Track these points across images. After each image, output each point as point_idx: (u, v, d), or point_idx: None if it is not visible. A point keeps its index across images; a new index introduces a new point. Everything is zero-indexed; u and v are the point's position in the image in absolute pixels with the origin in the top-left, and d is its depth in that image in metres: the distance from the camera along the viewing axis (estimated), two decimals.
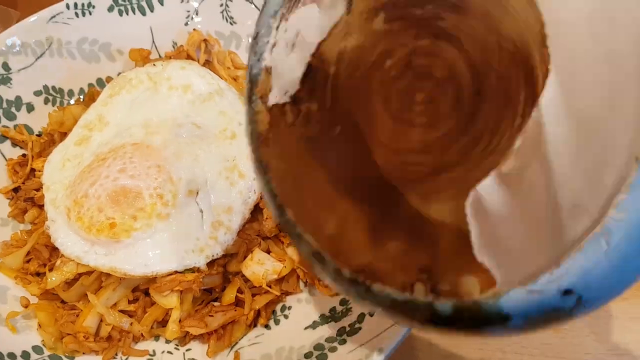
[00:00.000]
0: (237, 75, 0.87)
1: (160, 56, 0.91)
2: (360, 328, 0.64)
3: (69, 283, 0.68)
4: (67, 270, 0.67)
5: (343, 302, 0.69)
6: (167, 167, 0.70)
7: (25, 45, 0.85)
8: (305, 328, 0.69)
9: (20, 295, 0.71)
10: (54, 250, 0.71)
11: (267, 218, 0.72)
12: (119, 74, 0.87)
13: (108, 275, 0.67)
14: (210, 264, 0.69)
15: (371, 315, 0.64)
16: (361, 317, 0.65)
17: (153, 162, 0.70)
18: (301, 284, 0.74)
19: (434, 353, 0.72)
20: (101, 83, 0.90)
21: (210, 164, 0.72)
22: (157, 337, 0.70)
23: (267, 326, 0.71)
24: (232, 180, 0.72)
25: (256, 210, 0.73)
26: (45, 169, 0.74)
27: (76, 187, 0.69)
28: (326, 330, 0.67)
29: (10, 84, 0.84)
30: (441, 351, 0.72)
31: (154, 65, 0.79)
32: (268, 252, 0.73)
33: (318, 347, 0.64)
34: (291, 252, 0.73)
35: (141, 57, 0.87)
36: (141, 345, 0.69)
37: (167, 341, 0.70)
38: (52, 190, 0.72)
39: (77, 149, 0.75)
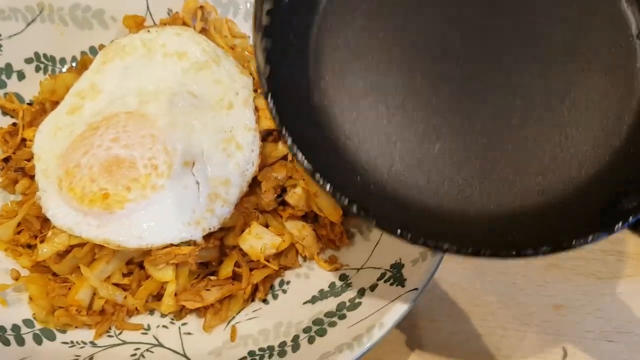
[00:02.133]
0: (234, 44, 0.84)
1: (155, 24, 0.88)
2: (360, 303, 0.62)
3: (61, 255, 0.66)
4: (58, 241, 0.65)
5: (343, 277, 0.68)
6: (161, 136, 0.67)
7: (15, 10, 0.82)
8: (304, 303, 0.67)
9: (10, 268, 0.69)
10: (45, 222, 0.69)
11: (265, 191, 0.70)
12: (112, 41, 0.84)
13: (101, 247, 0.65)
14: (207, 237, 0.67)
15: (372, 289, 0.63)
16: (361, 292, 0.64)
17: (147, 131, 0.67)
18: (300, 259, 0.73)
19: (436, 330, 0.71)
20: (94, 51, 0.87)
21: (207, 135, 0.69)
22: (152, 311, 0.69)
23: (265, 301, 0.70)
24: (229, 152, 0.69)
25: (254, 183, 0.71)
26: (36, 139, 0.72)
27: (68, 156, 0.66)
28: (325, 305, 0.65)
29: (1, 50, 0.81)
30: (443, 328, 0.71)
31: (148, 31, 0.76)
32: (266, 225, 0.71)
33: (317, 322, 0.63)
34: (290, 226, 0.72)
35: (135, 24, 0.84)
36: (135, 320, 0.68)
37: (163, 315, 0.68)
38: (43, 160, 0.69)
39: (69, 118, 0.72)
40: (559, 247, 0.42)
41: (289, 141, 0.44)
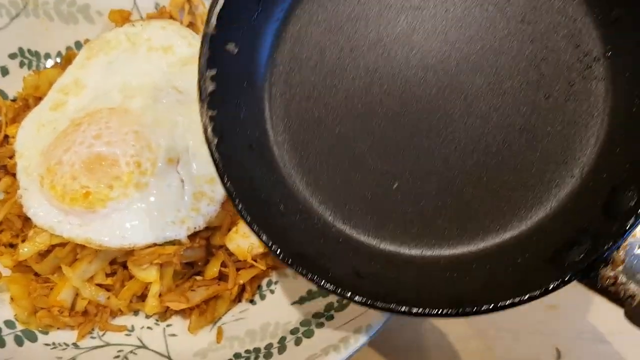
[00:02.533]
0: None
1: (142, 18, 0.86)
2: (347, 304, 0.61)
3: (43, 255, 0.65)
4: (39, 241, 0.63)
5: None
6: (145, 133, 0.66)
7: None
8: (292, 303, 0.66)
9: None
10: (27, 221, 0.67)
11: None
12: (98, 36, 0.82)
13: (83, 247, 0.63)
14: (193, 236, 0.66)
15: None
16: None
17: (130, 127, 0.65)
18: None
19: (428, 331, 0.69)
20: (79, 46, 0.85)
21: (192, 131, 0.68)
22: (136, 312, 0.67)
23: (252, 301, 0.68)
24: None
25: None
26: (18, 135, 0.70)
27: (50, 153, 0.65)
28: (313, 306, 0.64)
29: None
30: (435, 329, 0.70)
31: (134, 25, 0.75)
32: None
33: (305, 323, 0.62)
34: None
35: (121, 19, 0.82)
36: (119, 321, 0.66)
37: (147, 316, 0.67)
38: (25, 157, 0.68)
39: (52, 114, 0.71)
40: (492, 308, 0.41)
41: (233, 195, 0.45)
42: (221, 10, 0.44)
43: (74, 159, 0.63)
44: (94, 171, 0.62)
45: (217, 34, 0.44)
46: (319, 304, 0.64)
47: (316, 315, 0.62)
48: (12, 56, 0.82)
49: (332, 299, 0.63)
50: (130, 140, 0.64)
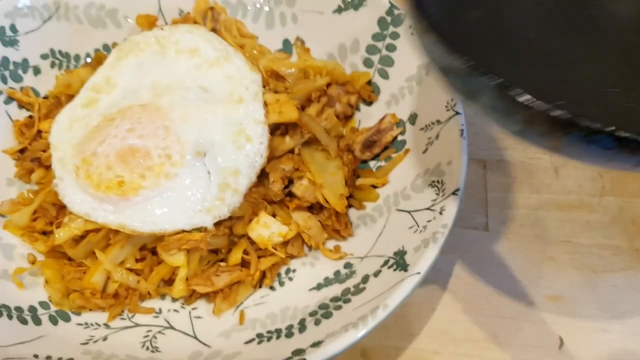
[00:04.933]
0: (243, 43, 0.87)
1: (166, 23, 0.91)
2: (364, 288, 0.65)
3: (77, 240, 0.69)
4: (74, 226, 0.67)
5: (347, 266, 0.71)
6: (175, 128, 0.70)
7: (33, 8, 0.85)
8: (310, 289, 0.70)
9: (27, 253, 0.72)
10: (61, 209, 0.71)
11: (273, 181, 0.73)
12: (125, 40, 0.87)
13: (116, 232, 0.67)
14: (217, 225, 0.70)
15: (376, 275, 0.65)
16: (365, 278, 0.66)
17: (161, 123, 0.70)
18: (305, 249, 0.75)
19: (436, 318, 0.73)
20: (107, 49, 0.90)
21: (217, 128, 0.72)
22: (163, 296, 0.71)
23: (272, 287, 0.72)
24: (239, 144, 0.72)
25: (262, 175, 0.74)
26: (52, 129, 0.74)
27: (84, 145, 0.69)
28: (330, 291, 0.68)
29: (18, 46, 0.84)
30: (443, 316, 0.74)
31: (162, 29, 0.79)
32: (274, 215, 0.73)
33: (323, 306, 0.66)
34: (296, 216, 0.74)
35: (148, 23, 0.87)
36: (147, 304, 0.70)
37: (174, 300, 0.71)
38: (60, 149, 0.72)
39: (85, 111, 0.75)
40: None
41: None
42: None
43: (109, 151, 0.67)
44: (128, 162, 0.67)
45: None
46: (336, 289, 0.68)
47: (334, 299, 0.66)
48: (44, 57, 0.87)
49: (349, 284, 0.67)
50: (161, 134, 0.69)
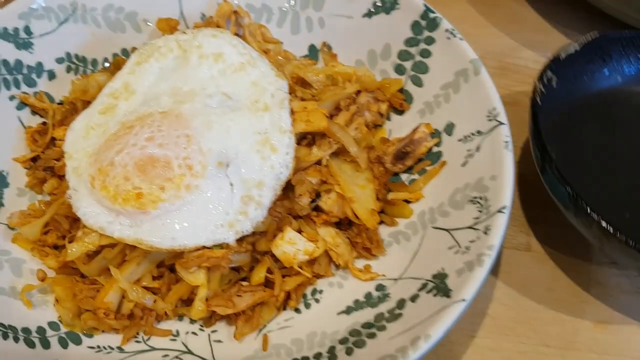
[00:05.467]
0: (267, 48, 0.83)
1: (188, 27, 0.87)
2: (400, 314, 0.59)
3: (90, 256, 0.64)
4: (89, 241, 0.63)
5: (379, 288, 0.65)
6: (196, 136, 0.65)
7: (48, 9, 0.81)
8: (339, 313, 0.64)
9: (36, 268, 0.67)
10: (74, 222, 0.67)
11: (300, 195, 0.68)
12: (144, 44, 0.83)
13: (132, 248, 0.63)
14: (239, 241, 0.65)
15: (413, 300, 0.60)
16: (401, 303, 0.61)
17: (182, 131, 0.66)
18: (332, 267, 0.70)
19: (476, 346, 0.67)
20: (126, 54, 0.86)
21: (241, 136, 0.67)
22: (180, 317, 0.66)
23: (297, 309, 0.67)
24: (263, 154, 0.67)
25: (287, 188, 0.69)
26: (67, 137, 0.70)
27: (101, 154, 0.65)
28: (362, 316, 0.63)
29: (32, 49, 0.80)
30: (483, 345, 0.68)
31: (184, 32, 0.75)
32: (299, 231, 0.68)
33: (354, 332, 0.60)
34: (323, 232, 0.69)
35: (169, 27, 0.83)
36: (164, 325, 0.65)
37: (192, 321, 0.66)
38: (75, 158, 0.68)
39: (102, 118, 0.71)
40: None
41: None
42: None
43: (127, 160, 0.63)
44: (147, 172, 0.62)
45: None
46: (368, 313, 0.62)
47: (366, 325, 0.61)
48: (59, 60, 0.83)
49: (382, 309, 0.62)
50: (182, 143, 0.64)
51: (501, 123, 0.65)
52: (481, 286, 0.56)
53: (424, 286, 0.60)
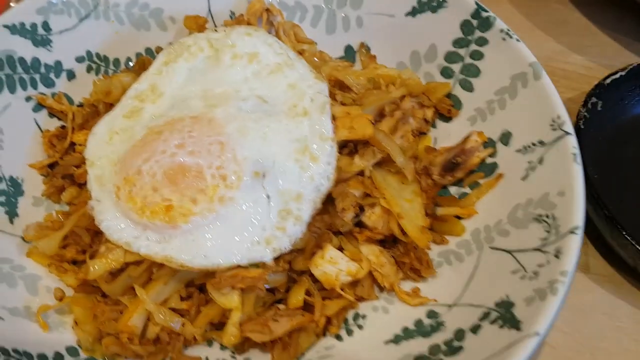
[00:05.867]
0: (302, 49, 0.77)
1: (215, 26, 0.82)
2: (461, 347, 0.53)
3: (114, 274, 0.58)
4: (113, 258, 0.57)
5: (431, 315, 0.59)
6: (230, 144, 0.60)
7: (68, 4, 0.76)
8: (386, 342, 0.58)
9: (53, 286, 0.62)
10: (96, 235, 0.61)
11: (343, 209, 0.62)
12: (170, 44, 0.78)
13: (160, 266, 0.57)
14: (275, 259, 0.59)
15: (474, 331, 0.53)
16: (459, 334, 0.54)
17: (215, 137, 0.60)
18: (376, 290, 0.64)
19: None
20: (150, 53, 0.81)
21: (279, 144, 0.62)
22: (210, 342, 0.60)
23: (338, 336, 0.61)
24: (302, 164, 0.61)
25: (327, 200, 0.63)
26: (88, 142, 0.65)
27: (127, 162, 0.59)
28: (413, 347, 0.56)
29: (50, 46, 0.75)
30: None
31: (216, 30, 0.70)
32: (340, 249, 0.62)
33: None
34: (366, 250, 0.63)
35: (197, 26, 0.78)
36: (192, 351, 0.59)
37: (222, 347, 0.60)
38: (98, 165, 0.62)
39: (127, 122, 0.65)
40: None
41: None
42: None
43: (155, 169, 0.57)
44: (177, 183, 0.56)
45: None
46: (420, 344, 0.56)
47: (420, 358, 0.54)
48: (80, 59, 0.78)
49: (437, 340, 0.55)
50: (215, 151, 0.58)
51: (567, 133, 0.59)
52: (555, 318, 0.49)
53: (485, 315, 0.54)
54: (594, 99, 0.72)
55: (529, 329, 0.48)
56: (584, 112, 0.71)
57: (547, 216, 0.56)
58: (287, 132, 0.63)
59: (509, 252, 0.58)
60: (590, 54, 0.91)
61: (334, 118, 0.65)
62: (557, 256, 0.52)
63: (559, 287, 0.50)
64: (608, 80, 0.74)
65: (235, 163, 0.59)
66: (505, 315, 0.52)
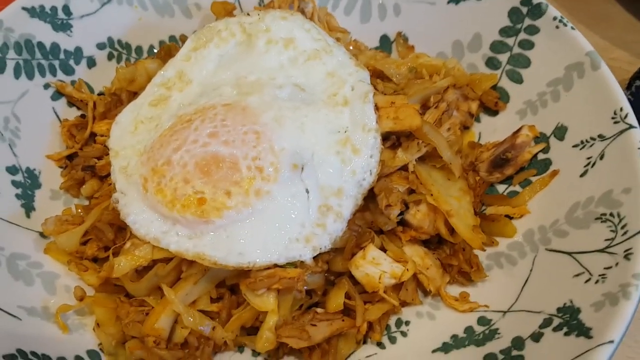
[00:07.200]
0: (337, 37, 0.73)
1: (242, 13, 0.77)
2: (521, 357, 0.48)
3: (139, 272, 0.54)
4: (139, 254, 0.52)
5: (483, 322, 0.54)
6: (267, 133, 0.55)
7: None
8: (434, 351, 0.54)
9: (72, 285, 0.57)
10: (119, 231, 0.57)
11: (387, 206, 0.57)
12: (194, 32, 0.73)
13: (190, 263, 0.52)
14: (314, 259, 0.54)
15: (535, 340, 0.49)
16: (518, 343, 0.50)
17: (250, 126, 0.55)
18: (420, 294, 0.59)
19: None
20: (174, 41, 0.77)
21: (318, 135, 0.57)
22: (241, 348, 0.56)
23: (380, 344, 0.56)
24: (343, 157, 0.57)
25: (369, 197, 0.58)
26: (112, 132, 0.61)
27: (155, 152, 0.55)
28: (464, 356, 0.52)
29: (71, 31, 0.71)
30: None
31: (248, 14, 0.65)
32: (382, 249, 0.58)
33: None
34: (410, 251, 0.58)
35: (225, 12, 0.74)
36: (223, 357, 0.55)
37: (255, 353, 0.55)
38: (122, 156, 0.58)
39: (153, 110, 0.61)
40: None
41: None
42: None
43: (187, 159, 0.53)
44: (210, 174, 0.52)
45: None
46: (473, 354, 0.51)
47: None
48: (101, 46, 0.74)
49: (492, 349, 0.51)
50: (250, 141, 0.54)
51: (631, 126, 0.54)
52: (630, 324, 0.44)
53: (547, 322, 0.49)
54: (638, 82, 0.69)
55: (601, 337, 0.44)
56: (628, 95, 0.68)
57: (611, 215, 0.52)
58: (326, 122, 0.58)
59: (569, 254, 0.53)
60: (635, 50, 0.87)
61: (376, 108, 0.60)
62: (627, 257, 0.48)
63: (632, 290, 0.45)
64: None
65: (272, 154, 0.54)
66: (572, 322, 0.47)
